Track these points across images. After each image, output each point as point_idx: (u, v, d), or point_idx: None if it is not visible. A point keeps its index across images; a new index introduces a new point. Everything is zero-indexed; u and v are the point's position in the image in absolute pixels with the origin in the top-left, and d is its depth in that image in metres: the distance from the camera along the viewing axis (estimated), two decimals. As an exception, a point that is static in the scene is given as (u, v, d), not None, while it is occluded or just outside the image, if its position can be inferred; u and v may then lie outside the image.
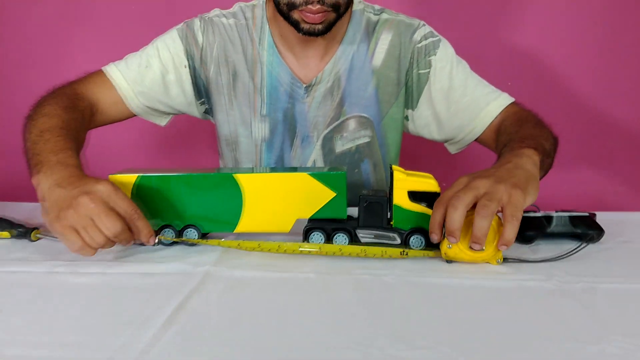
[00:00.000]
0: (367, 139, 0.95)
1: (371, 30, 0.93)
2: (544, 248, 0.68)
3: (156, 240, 0.65)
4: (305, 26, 0.81)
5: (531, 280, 0.57)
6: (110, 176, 0.67)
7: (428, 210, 0.65)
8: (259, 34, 0.92)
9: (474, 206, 0.59)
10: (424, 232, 0.65)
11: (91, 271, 0.60)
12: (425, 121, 0.96)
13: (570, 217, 0.71)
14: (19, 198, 0.96)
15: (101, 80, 0.89)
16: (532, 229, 0.70)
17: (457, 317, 0.49)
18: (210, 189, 0.67)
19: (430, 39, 0.92)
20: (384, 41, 0.92)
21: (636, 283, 0.57)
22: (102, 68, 0.90)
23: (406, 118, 0.97)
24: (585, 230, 0.70)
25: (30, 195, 0.95)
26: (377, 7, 0.95)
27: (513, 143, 0.73)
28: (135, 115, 0.94)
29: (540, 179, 0.68)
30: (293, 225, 0.67)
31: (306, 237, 0.67)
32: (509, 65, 1.43)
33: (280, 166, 0.96)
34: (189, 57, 0.91)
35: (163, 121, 0.98)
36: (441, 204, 0.60)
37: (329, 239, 0.67)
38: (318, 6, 0.78)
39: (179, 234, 0.68)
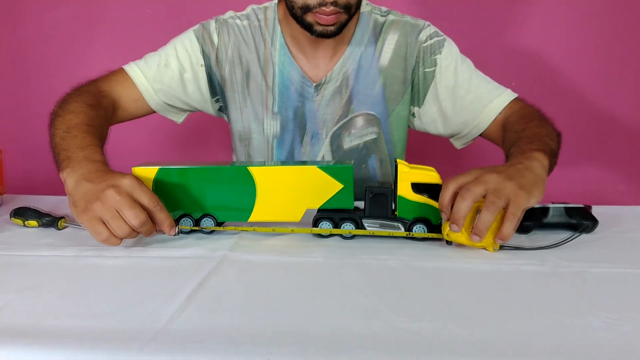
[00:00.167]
0: (374, 136, 0.99)
1: (378, 31, 0.97)
2: (540, 237, 0.71)
3: (177, 231, 0.69)
4: (318, 28, 0.86)
5: (526, 265, 0.61)
6: (133, 168, 0.71)
7: (430, 201, 0.69)
8: (271, 35, 0.96)
9: None
10: (426, 221, 0.69)
11: (116, 255, 0.65)
12: (432, 117, 1.00)
13: (566, 208, 0.74)
14: (43, 192, 1.01)
15: (123, 78, 0.94)
16: (530, 220, 0.74)
17: (455, 295, 0.53)
18: (225, 181, 0.72)
19: (436, 39, 0.96)
20: (390, 41, 0.96)
21: (625, 268, 0.60)
22: (123, 66, 0.95)
23: (413, 115, 1.01)
24: (580, 220, 0.74)
25: (53, 189, 1.00)
26: (384, 8, 0.99)
27: (522, 144, 0.76)
28: (153, 112, 0.99)
29: (547, 176, 0.71)
30: (303, 215, 0.72)
31: (315, 226, 0.71)
32: (513, 65, 1.46)
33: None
34: (205, 56, 0.96)
35: (180, 118, 1.03)
36: (452, 185, 0.64)
37: (336, 228, 0.71)
38: (331, 8, 0.82)
39: (197, 223, 0.73)
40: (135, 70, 0.94)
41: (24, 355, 0.41)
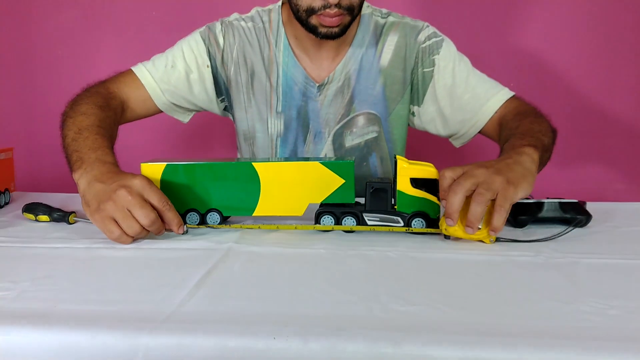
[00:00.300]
0: (374, 134, 1.02)
1: (379, 33, 1.00)
2: (535, 231, 0.74)
3: (185, 230, 0.71)
4: (323, 30, 0.88)
5: (521, 256, 0.63)
6: (142, 164, 0.74)
7: (429, 196, 0.72)
8: (275, 37, 0.99)
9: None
10: (425, 215, 0.72)
11: (126, 247, 0.67)
12: (431, 116, 1.02)
13: (560, 203, 0.77)
14: (49, 190, 1.03)
15: (131, 79, 0.97)
16: (525, 214, 0.76)
17: (452, 282, 0.55)
18: (230, 177, 0.74)
19: (434, 39, 0.99)
20: (390, 42, 0.99)
21: (615, 258, 0.63)
22: (131, 68, 0.98)
23: (412, 114, 1.04)
24: (574, 215, 0.76)
25: (59, 187, 1.03)
26: (384, 10, 1.02)
27: (514, 139, 0.79)
28: (160, 112, 1.02)
29: (539, 171, 0.74)
30: (306, 209, 0.74)
31: (317, 219, 0.74)
32: (512, 65, 1.49)
33: (293, 159, 1.03)
34: (211, 57, 0.99)
35: (186, 118, 1.06)
36: (449, 174, 0.67)
37: (338, 222, 0.73)
38: (335, 10, 0.85)
39: (202, 217, 0.75)
40: (143, 72, 0.97)
41: (45, 335, 0.44)
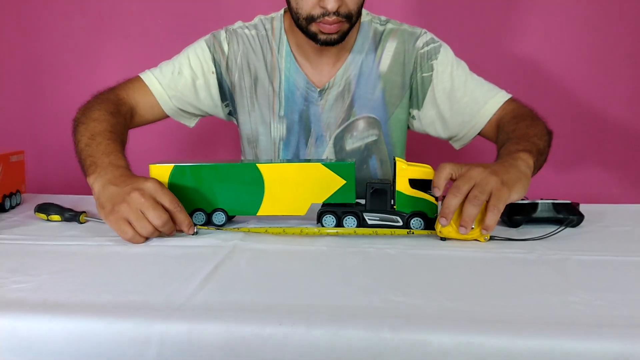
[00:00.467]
0: (374, 138, 1.05)
1: (378, 40, 1.03)
2: (530, 231, 0.77)
3: (195, 230, 0.74)
4: (322, 37, 0.92)
5: (515, 254, 0.66)
6: (150, 165, 0.77)
7: (427, 196, 0.75)
8: (277, 44, 1.03)
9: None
10: (423, 215, 0.75)
11: (136, 245, 0.70)
12: (431, 120, 1.05)
13: (554, 204, 0.80)
14: (55, 192, 1.07)
15: (139, 85, 1.00)
16: (519, 214, 0.79)
17: (448, 276, 0.58)
18: (236, 177, 0.77)
19: (432, 45, 1.02)
20: (389, 49, 1.02)
21: (606, 255, 0.66)
22: (140, 74, 1.02)
23: (413, 117, 1.07)
24: (567, 215, 0.79)
25: (65, 189, 1.06)
26: (383, 18, 1.06)
27: (510, 144, 0.82)
28: (167, 117, 1.05)
29: (535, 173, 0.78)
30: (308, 209, 0.77)
31: (319, 219, 0.76)
32: (509, 70, 1.52)
33: (296, 162, 1.06)
34: (216, 64, 1.02)
35: (192, 122, 1.09)
36: (447, 169, 0.69)
37: (339, 221, 0.76)
38: (334, 17, 0.88)
39: (209, 216, 0.78)
40: (151, 79, 1.01)
41: (65, 323, 0.47)
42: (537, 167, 0.81)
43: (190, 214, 0.77)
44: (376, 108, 1.04)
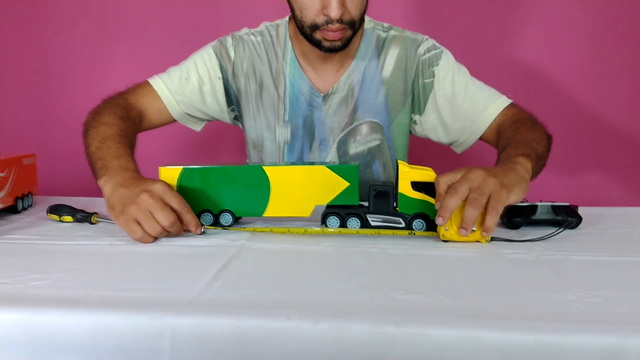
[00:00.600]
0: (377, 142, 1.07)
1: (381, 46, 1.05)
2: (529, 232, 0.79)
3: (202, 230, 0.76)
4: (326, 44, 0.94)
5: (514, 254, 0.68)
6: (160, 168, 0.79)
7: (429, 198, 0.76)
8: (282, 50, 1.05)
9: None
10: (424, 216, 0.77)
11: (147, 244, 0.72)
12: (432, 125, 1.08)
13: (553, 206, 0.82)
14: (63, 194, 1.09)
15: (148, 90, 1.03)
16: (519, 216, 0.81)
17: (448, 275, 0.60)
18: (242, 179, 0.79)
19: (433, 51, 1.05)
20: (392, 55, 1.05)
21: (604, 256, 0.67)
22: (148, 80, 1.04)
23: (414, 122, 1.09)
24: (566, 217, 0.81)
25: (73, 192, 1.08)
26: (385, 24, 1.08)
27: (510, 149, 0.84)
28: (174, 121, 1.07)
29: (535, 177, 0.80)
30: (313, 210, 0.79)
31: (324, 220, 0.78)
32: (509, 75, 1.54)
33: (300, 165, 1.08)
34: (223, 70, 1.05)
35: (198, 127, 1.12)
36: (443, 181, 0.71)
37: (343, 222, 0.78)
38: (337, 25, 0.91)
39: (216, 217, 0.80)
40: (160, 84, 1.03)
41: (81, 317, 0.49)
42: (536, 172, 0.83)
43: (198, 215, 0.79)
44: (379, 113, 1.06)
